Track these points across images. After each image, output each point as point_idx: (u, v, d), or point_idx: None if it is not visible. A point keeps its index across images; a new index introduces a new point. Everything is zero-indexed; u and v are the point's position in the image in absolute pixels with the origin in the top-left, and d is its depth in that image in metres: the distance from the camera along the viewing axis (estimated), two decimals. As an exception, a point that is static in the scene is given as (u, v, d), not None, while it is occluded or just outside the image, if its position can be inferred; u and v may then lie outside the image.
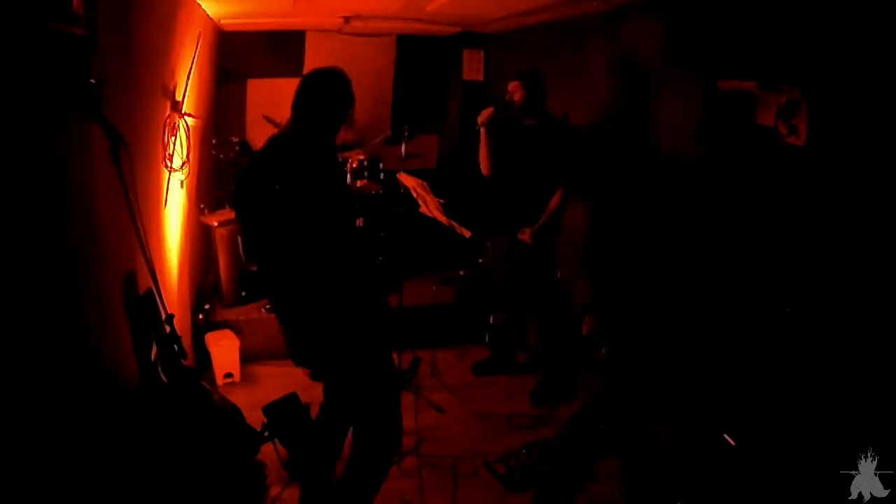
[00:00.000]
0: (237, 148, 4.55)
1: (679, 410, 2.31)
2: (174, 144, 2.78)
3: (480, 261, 4.76)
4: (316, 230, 2.17)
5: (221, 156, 4.48)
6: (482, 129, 3.44)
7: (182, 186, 3.13)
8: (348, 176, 4.50)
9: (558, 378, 3.65)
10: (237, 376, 3.70)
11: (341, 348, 2.28)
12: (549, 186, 3.41)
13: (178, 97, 2.89)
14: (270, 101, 4.71)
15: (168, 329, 2.23)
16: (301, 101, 2.22)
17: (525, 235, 3.43)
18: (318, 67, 2.28)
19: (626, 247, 3.44)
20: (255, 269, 2.33)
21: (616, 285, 2.66)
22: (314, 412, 2.86)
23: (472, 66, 5.63)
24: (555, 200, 3.41)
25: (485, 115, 3.40)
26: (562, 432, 2.59)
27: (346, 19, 4.46)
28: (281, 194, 2.11)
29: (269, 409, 2.82)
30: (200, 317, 3.84)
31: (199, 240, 4.05)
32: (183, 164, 3.00)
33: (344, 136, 3.98)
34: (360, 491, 2.43)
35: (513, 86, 3.39)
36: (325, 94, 2.22)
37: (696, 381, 2.26)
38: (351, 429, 2.50)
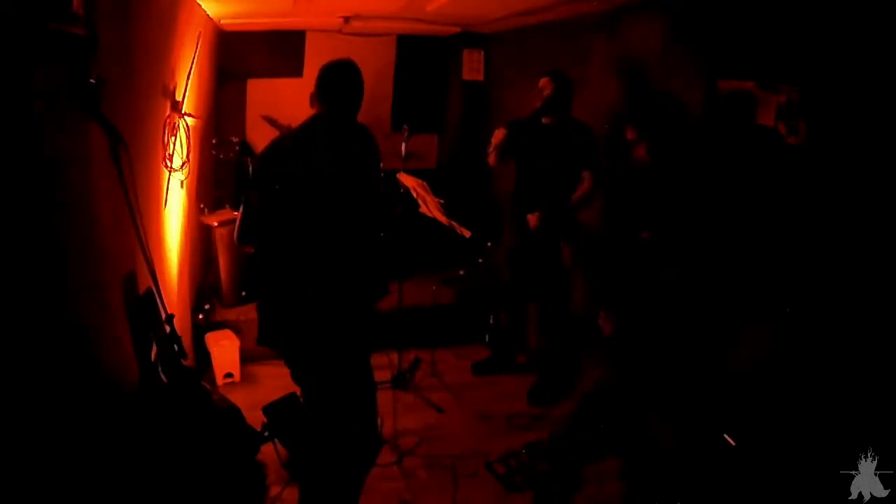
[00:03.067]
0: (237, 148, 4.55)
1: (680, 410, 2.31)
2: (174, 144, 2.78)
3: (480, 261, 4.76)
4: (341, 211, 2.23)
5: (221, 156, 4.48)
6: (493, 153, 3.41)
7: (182, 186, 3.13)
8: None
9: (555, 378, 3.65)
10: (237, 376, 3.71)
11: (325, 339, 2.30)
12: (561, 186, 3.38)
13: (178, 97, 2.89)
14: (270, 101, 4.71)
15: (168, 329, 2.23)
16: (323, 93, 2.27)
17: (532, 218, 3.41)
18: (332, 60, 2.31)
19: (630, 247, 3.44)
20: (249, 250, 2.31)
21: (624, 285, 2.68)
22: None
23: (472, 66, 5.62)
24: (578, 193, 3.36)
25: (497, 138, 3.39)
26: (561, 431, 2.59)
27: (346, 19, 4.45)
28: (316, 172, 2.18)
29: (269, 409, 2.82)
30: (200, 317, 3.84)
31: (199, 240, 4.05)
32: (183, 164, 3.00)
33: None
34: (335, 491, 2.44)
35: (543, 81, 3.38)
36: (343, 83, 2.28)
37: (697, 381, 2.26)
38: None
